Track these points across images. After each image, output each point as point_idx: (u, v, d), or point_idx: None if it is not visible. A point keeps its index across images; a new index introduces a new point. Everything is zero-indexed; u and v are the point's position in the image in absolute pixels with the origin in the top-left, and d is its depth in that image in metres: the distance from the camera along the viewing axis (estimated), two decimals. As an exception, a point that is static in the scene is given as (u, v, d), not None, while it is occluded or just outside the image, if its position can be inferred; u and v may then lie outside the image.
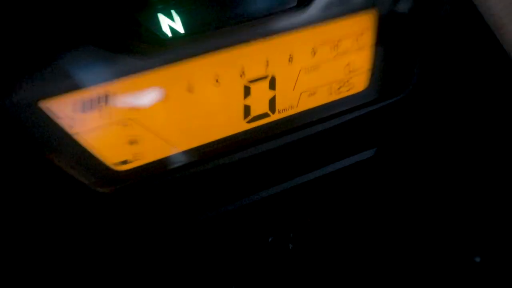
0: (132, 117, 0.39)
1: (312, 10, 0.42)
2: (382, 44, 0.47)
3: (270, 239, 0.45)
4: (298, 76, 0.45)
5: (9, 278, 0.35)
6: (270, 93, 0.44)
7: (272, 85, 0.44)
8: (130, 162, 0.39)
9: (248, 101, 0.43)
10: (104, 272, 0.39)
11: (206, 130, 0.42)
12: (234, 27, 0.39)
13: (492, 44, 0.41)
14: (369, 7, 0.44)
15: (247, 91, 0.43)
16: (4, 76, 0.33)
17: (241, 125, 0.43)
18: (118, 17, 0.35)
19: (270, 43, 0.42)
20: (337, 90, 0.47)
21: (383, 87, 0.48)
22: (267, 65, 0.43)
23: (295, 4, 0.40)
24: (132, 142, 0.39)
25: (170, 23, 0.38)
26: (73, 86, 0.36)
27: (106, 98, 0.37)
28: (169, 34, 0.38)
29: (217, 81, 0.41)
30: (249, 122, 0.43)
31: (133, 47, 0.37)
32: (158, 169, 0.40)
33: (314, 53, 0.44)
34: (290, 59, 0.43)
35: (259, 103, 0.43)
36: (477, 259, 0.47)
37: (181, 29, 0.38)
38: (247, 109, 0.43)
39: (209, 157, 0.41)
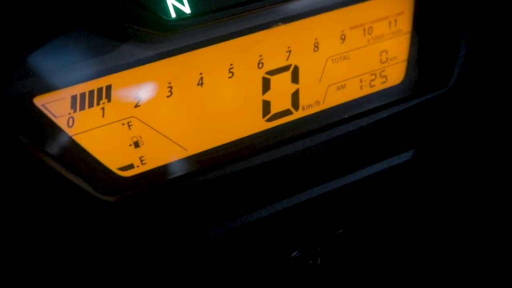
0: (136, 115, 0.38)
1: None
2: (422, 28, 0.46)
3: (294, 254, 0.44)
4: (325, 66, 0.44)
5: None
6: (293, 87, 0.43)
7: (295, 77, 0.43)
8: (136, 166, 0.39)
9: (267, 96, 0.42)
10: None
11: (220, 130, 0.41)
12: (250, 8, 0.38)
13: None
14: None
15: (266, 84, 0.42)
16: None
17: (260, 124, 0.42)
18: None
19: (292, 27, 0.41)
20: (369, 83, 0.46)
21: (422, 79, 0.47)
22: (289, 53, 0.42)
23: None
24: (138, 144, 0.39)
25: (175, 3, 0.37)
26: (71, 81, 0.35)
27: (107, 93, 0.37)
28: (174, 15, 0.37)
29: (231, 72, 0.40)
30: (268, 120, 0.43)
31: (132, 32, 0.36)
32: (168, 175, 0.40)
33: (344, 39, 0.44)
34: (316, 47, 0.43)
35: (280, 98, 0.43)
36: None
37: (187, 10, 0.37)
38: (266, 106, 0.42)
39: (224, 161, 0.41)
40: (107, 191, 0.38)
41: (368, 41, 0.45)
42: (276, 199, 0.43)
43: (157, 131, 0.39)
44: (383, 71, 0.46)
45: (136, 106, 0.38)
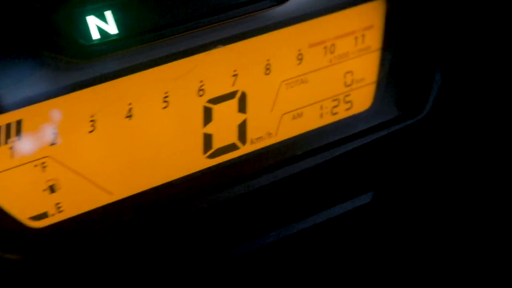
0: (52, 155, 0.38)
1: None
2: (394, 44, 0.47)
3: None
4: (278, 92, 0.44)
5: None
6: (240, 117, 0.43)
7: (242, 105, 0.43)
8: (51, 215, 0.39)
9: (209, 129, 0.42)
10: None
11: (152, 170, 0.41)
12: (187, 28, 0.38)
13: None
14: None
15: (207, 115, 0.42)
16: None
17: (200, 162, 0.42)
18: (27, 19, 0.35)
19: (238, 47, 0.42)
20: (331, 110, 0.46)
21: (393, 105, 0.48)
22: (236, 78, 0.42)
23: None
24: (54, 189, 0.39)
25: (99, 23, 0.37)
26: None
27: (17, 130, 0.37)
28: (97, 36, 0.37)
29: (165, 101, 0.40)
30: (210, 157, 0.43)
31: (46, 59, 0.36)
32: (90, 225, 0.39)
33: (301, 60, 0.44)
34: (267, 69, 0.43)
35: (224, 130, 0.43)
36: None
37: (113, 30, 0.37)
38: (207, 140, 0.42)
39: (157, 207, 0.41)
40: (12, 247, 0.37)
41: (330, 60, 0.45)
42: (220, 250, 0.44)
43: (77, 172, 0.39)
44: (348, 95, 0.47)
45: (52, 144, 0.38)
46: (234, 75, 0.42)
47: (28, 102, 0.37)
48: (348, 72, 0.46)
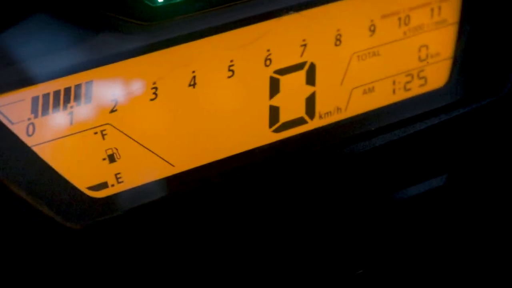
0: (112, 122, 0.38)
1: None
2: (473, 18, 0.47)
3: None
4: (348, 64, 0.44)
5: None
6: (308, 90, 0.43)
7: (311, 77, 0.43)
8: (111, 185, 0.39)
9: (275, 101, 0.42)
10: None
11: (215, 143, 0.41)
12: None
13: None
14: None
15: (274, 86, 0.42)
16: None
17: (266, 136, 0.42)
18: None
19: (308, 15, 0.41)
20: (404, 86, 0.46)
21: (471, 82, 0.47)
22: (304, 48, 0.42)
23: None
24: (113, 158, 0.39)
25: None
26: (31, 79, 0.35)
27: (76, 94, 0.37)
28: (161, 0, 0.37)
29: (231, 70, 0.40)
30: (276, 131, 0.43)
31: (109, 20, 0.36)
32: (150, 198, 0.40)
33: (373, 31, 0.44)
34: (338, 40, 0.43)
35: (291, 103, 0.43)
36: None
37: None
38: (274, 113, 0.42)
39: (220, 181, 0.41)
40: (73, 216, 0.38)
41: (404, 33, 0.45)
42: (283, 227, 0.44)
43: (137, 142, 0.39)
44: (422, 71, 0.46)
45: (112, 111, 0.38)
46: (302, 45, 0.42)
47: (88, 66, 0.37)
48: (423, 46, 0.46)
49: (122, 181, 0.39)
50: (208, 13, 0.39)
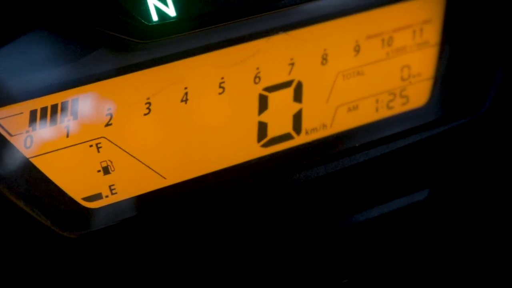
0: (107, 136, 0.39)
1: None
2: (453, 39, 0.47)
3: None
4: (334, 83, 0.44)
5: None
6: (295, 106, 0.44)
7: (298, 95, 0.43)
8: (105, 196, 0.39)
9: (264, 117, 0.43)
10: None
11: (206, 157, 0.41)
12: (247, 13, 0.39)
13: None
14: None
15: (263, 103, 0.42)
16: None
17: (254, 150, 0.43)
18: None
19: (296, 35, 0.42)
20: (387, 104, 0.47)
21: (451, 101, 0.48)
22: (292, 66, 0.43)
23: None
24: (108, 170, 0.39)
25: (157, 3, 0.38)
26: (30, 92, 0.36)
27: (73, 108, 0.38)
28: (155, 18, 0.37)
29: (221, 87, 0.41)
30: (264, 145, 0.43)
31: (106, 38, 0.37)
32: (142, 209, 0.40)
33: (358, 51, 0.45)
34: (324, 59, 0.44)
35: (279, 119, 0.43)
36: None
37: (172, 12, 0.38)
38: (262, 128, 0.43)
39: (210, 193, 0.41)
40: (69, 225, 0.38)
41: (387, 54, 0.46)
42: (272, 238, 0.44)
43: (131, 155, 0.40)
44: (404, 90, 0.47)
45: (107, 125, 0.39)
46: (290, 64, 0.43)
47: (84, 81, 0.38)
48: (405, 66, 0.46)
49: (116, 193, 0.40)
50: (201, 32, 0.39)
